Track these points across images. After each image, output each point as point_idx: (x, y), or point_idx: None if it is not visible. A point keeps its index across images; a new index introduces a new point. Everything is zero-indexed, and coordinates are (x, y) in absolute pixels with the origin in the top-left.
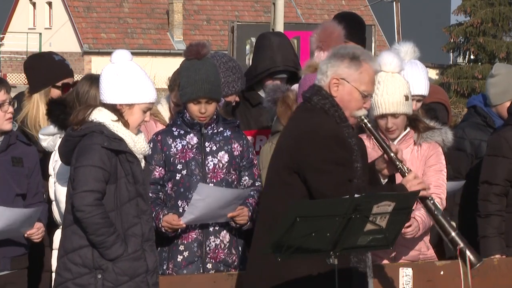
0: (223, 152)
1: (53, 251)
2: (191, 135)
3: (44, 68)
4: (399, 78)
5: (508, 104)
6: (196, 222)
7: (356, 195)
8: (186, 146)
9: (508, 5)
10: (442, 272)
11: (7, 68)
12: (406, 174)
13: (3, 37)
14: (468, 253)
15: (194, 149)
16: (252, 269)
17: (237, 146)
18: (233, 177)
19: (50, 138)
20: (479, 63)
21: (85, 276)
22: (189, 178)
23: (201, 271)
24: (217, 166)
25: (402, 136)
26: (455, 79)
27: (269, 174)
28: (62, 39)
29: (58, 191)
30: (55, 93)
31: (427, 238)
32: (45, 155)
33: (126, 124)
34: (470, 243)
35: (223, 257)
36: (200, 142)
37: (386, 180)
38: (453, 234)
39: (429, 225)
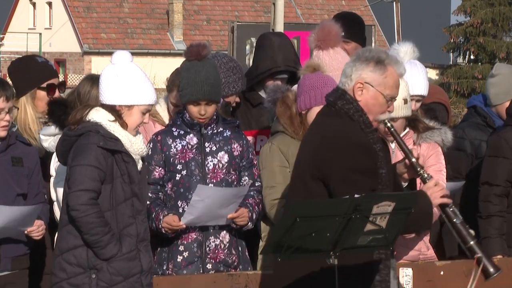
0: (223, 152)
1: None
2: (191, 135)
3: (27, 71)
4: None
5: (508, 104)
6: (196, 223)
7: (356, 195)
8: (186, 147)
9: (508, 5)
10: (442, 272)
11: (7, 68)
12: (427, 180)
13: (3, 37)
14: (486, 262)
15: (194, 150)
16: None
17: (237, 146)
18: (233, 177)
19: (51, 138)
20: (479, 63)
21: (79, 276)
22: (189, 179)
23: (201, 271)
24: (217, 166)
25: (401, 136)
26: (455, 79)
27: (293, 179)
28: (62, 39)
29: (59, 192)
30: (41, 94)
31: (427, 238)
32: (46, 155)
33: (123, 125)
34: None
35: (223, 257)
36: (200, 143)
37: (406, 184)
38: (471, 243)
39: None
